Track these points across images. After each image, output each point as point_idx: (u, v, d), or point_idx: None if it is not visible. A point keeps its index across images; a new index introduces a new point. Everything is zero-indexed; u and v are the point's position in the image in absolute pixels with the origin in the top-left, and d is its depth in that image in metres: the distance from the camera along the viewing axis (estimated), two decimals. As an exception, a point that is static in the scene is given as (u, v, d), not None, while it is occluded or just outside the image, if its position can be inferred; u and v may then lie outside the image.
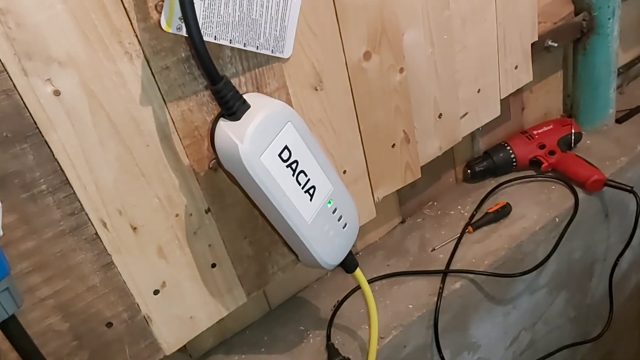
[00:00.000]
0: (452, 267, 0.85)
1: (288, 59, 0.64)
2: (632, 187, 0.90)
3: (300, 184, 0.57)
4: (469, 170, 0.99)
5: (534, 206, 0.92)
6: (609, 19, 0.94)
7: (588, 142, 1.03)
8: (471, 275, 0.83)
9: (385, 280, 0.85)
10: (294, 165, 0.56)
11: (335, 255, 0.63)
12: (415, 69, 0.77)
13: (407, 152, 0.81)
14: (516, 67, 0.88)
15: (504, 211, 0.91)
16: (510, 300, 0.93)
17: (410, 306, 0.80)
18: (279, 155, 0.55)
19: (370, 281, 0.85)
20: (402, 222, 0.96)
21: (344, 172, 0.75)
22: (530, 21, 0.88)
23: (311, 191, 0.58)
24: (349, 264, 0.67)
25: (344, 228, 0.63)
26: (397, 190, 0.85)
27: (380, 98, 0.75)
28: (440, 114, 0.83)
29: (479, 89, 0.86)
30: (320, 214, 0.60)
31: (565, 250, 0.97)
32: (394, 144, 0.80)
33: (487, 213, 0.91)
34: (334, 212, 0.61)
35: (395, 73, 0.75)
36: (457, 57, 0.81)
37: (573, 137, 0.99)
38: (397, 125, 0.78)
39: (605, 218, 1.01)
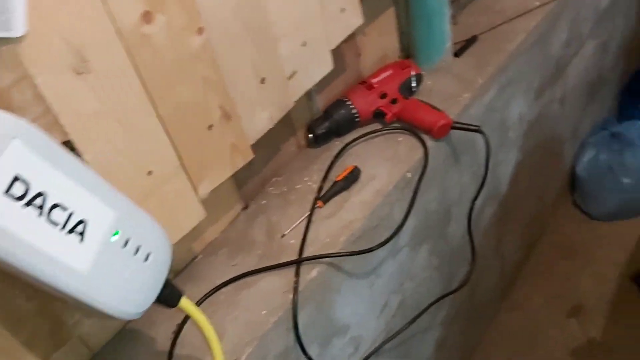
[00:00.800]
0: (305, 253, 0.73)
1: (23, 37, 0.44)
2: (478, 127, 0.85)
3: (57, 225, 0.39)
4: (310, 135, 0.86)
5: (384, 164, 0.84)
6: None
7: (429, 82, 0.96)
8: (329, 258, 0.73)
9: (232, 285, 0.72)
10: (38, 201, 0.38)
11: (140, 299, 0.47)
12: (219, 27, 0.61)
13: (230, 131, 0.66)
14: (343, 10, 0.76)
15: (353, 176, 0.81)
16: (373, 270, 0.85)
17: (264, 312, 0.68)
18: (7, 192, 0.36)
19: (212, 292, 0.71)
20: (245, 207, 0.82)
21: (149, 173, 0.59)
22: (351, -47, 0.75)
23: (80, 229, 0.41)
24: (168, 299, 0.52)
25: (146, 260, 0.47)
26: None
27: (178, 70, 0.58)
28: (263, 79, 0.68)
29: (304, 42, 0.72)
30: (104, 254, 0.43)
31: (421, 204, 0.91)
32: (211, 125, 0.64)
33: (335, 182, 0.80)
34: (125, 246, 0.45)
35: (192, 35, 0.58)
36: (270, 6, 0.65)
37: (414, 79, 0.91)
38: (209, 101, 0.62)
39: (456, 161, 0.96)
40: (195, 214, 0.66)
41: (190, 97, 0.60)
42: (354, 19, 0.78)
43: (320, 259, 0.73)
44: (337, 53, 0.81)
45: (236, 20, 0.62)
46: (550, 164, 1.50)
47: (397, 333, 0.93)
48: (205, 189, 0.66)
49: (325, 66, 0.77)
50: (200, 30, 0.59)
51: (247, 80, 0.66)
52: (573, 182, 1.67)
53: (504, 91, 1.04)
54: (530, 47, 1.07)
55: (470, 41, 1.01)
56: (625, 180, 1.54)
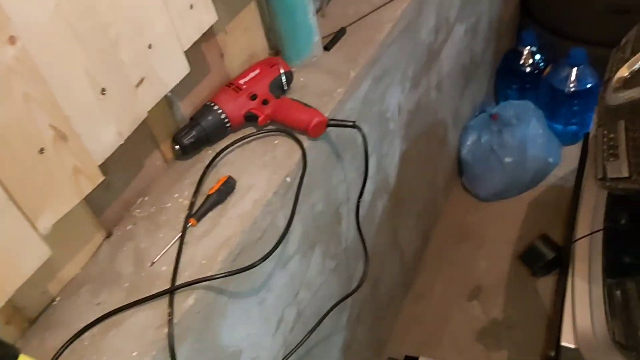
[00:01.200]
0: (179, 279, 0.66)
1: None
2: (354, 122, 0.82)
3: None
4: (177, 146, 0.79)
5: (261, 170, 0.78)
6: None
7: (301, 79, 0.91)
8: (206, 282, 0.66)
9: (97, 327, 0.63)
10: None
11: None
12: (38, 33, 0.52)
13: (68, 153, 0.57)
14: (192, 7, 0.69)
15: (227, 187, 0.74)
16: (262, 286, 0.79)
17: (135, 353, 0.60)
18: None
19: (74, 338, 0.61)
20: (108, 236, 0.72)
21: (-38, 214, 0.48)
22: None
23: None
24: (-4, 363, 0.43)
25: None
26: (85, 199, 0.62)
27: (-14, 88, 0.48)
28: (103, 89, 0.60)
29: (150, 44, 0.64)
30: None
31: (307, 207, 0.86)
32: (42, 149, 0.54)
33: (208, 196, 0.73)
34: None
35: (2, 47, 0.49)
36: (101, 7, 0.57)
37: (283, 77, 0.86)
38: (36, 120, 0.53)
39: (338, 158, 0.93)
40: (37, 254, 0.56)
41: (10, 119, 0.51)
42: (207, 15, 0.72)
43: (197, 284, 0.65)
44: (196, 54, 0.75)
45: (59, 24, 0.53)
46: (436, 151, 1.53)
47: (297, 347, 0.88)
48: (46, 222, 0.56)
49: (180, 69, 0.70)
50: (12, 40, 0.49)
51: (84, 92, 0.58)
52: (460, 166, 1.73)
53: (379, 83, 1.02)
54: (400, 36, 1.06)
55: (340, 33, 0.98)
56: (507, 160, 1.60)
